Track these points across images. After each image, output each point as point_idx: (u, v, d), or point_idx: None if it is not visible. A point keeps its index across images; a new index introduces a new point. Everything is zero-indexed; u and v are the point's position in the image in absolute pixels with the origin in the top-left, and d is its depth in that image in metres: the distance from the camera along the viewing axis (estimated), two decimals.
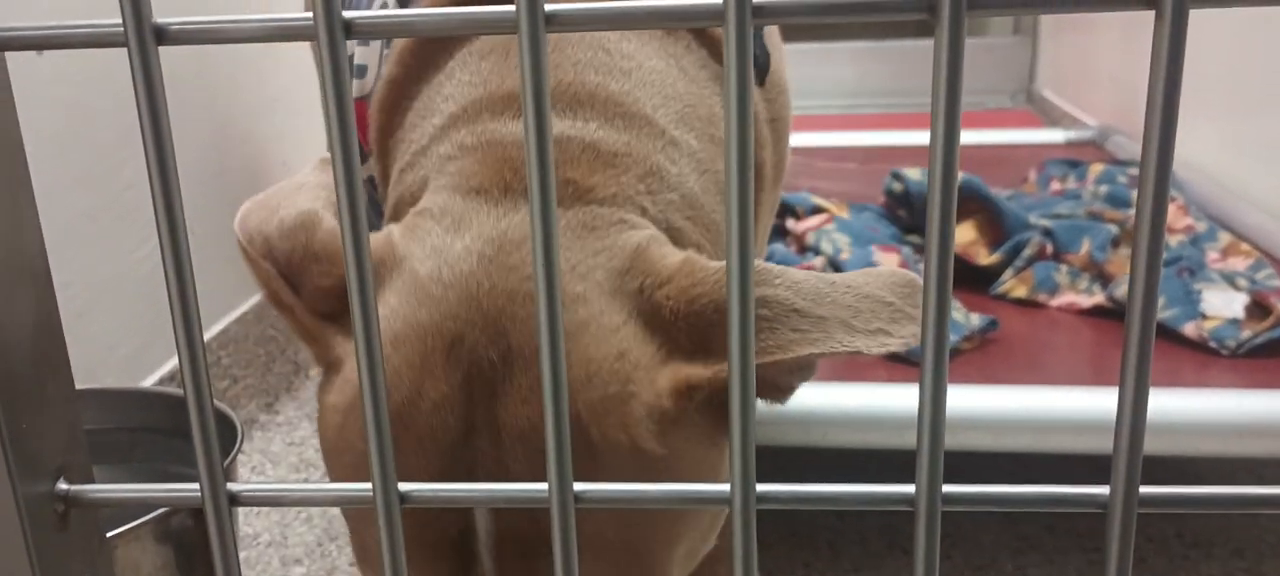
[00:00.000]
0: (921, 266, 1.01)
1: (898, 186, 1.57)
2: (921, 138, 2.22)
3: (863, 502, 0.32)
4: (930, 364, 0.29)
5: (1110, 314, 1.32)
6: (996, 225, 1.47)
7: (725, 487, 0.32)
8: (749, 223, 0.29)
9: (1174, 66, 0.26)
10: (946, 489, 0.31)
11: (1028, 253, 1.40)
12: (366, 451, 0.33)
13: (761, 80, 0.79)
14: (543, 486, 0.33)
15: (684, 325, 0.56)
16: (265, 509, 1.36)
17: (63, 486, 0.37)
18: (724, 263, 0.56)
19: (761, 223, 0.88)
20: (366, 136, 0.79)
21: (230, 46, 1.56)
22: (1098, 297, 1.34)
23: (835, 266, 1.40)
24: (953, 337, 1.22)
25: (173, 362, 1.42)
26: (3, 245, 0.34)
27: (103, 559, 0.40)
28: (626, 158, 0.63)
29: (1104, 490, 0.31)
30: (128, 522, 0.88)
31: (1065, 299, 1.36)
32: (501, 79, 0.66)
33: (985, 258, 1.42)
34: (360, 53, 0.80)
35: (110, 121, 1.29)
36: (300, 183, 0.64)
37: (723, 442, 0.58)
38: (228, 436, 1.01)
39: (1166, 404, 1.02)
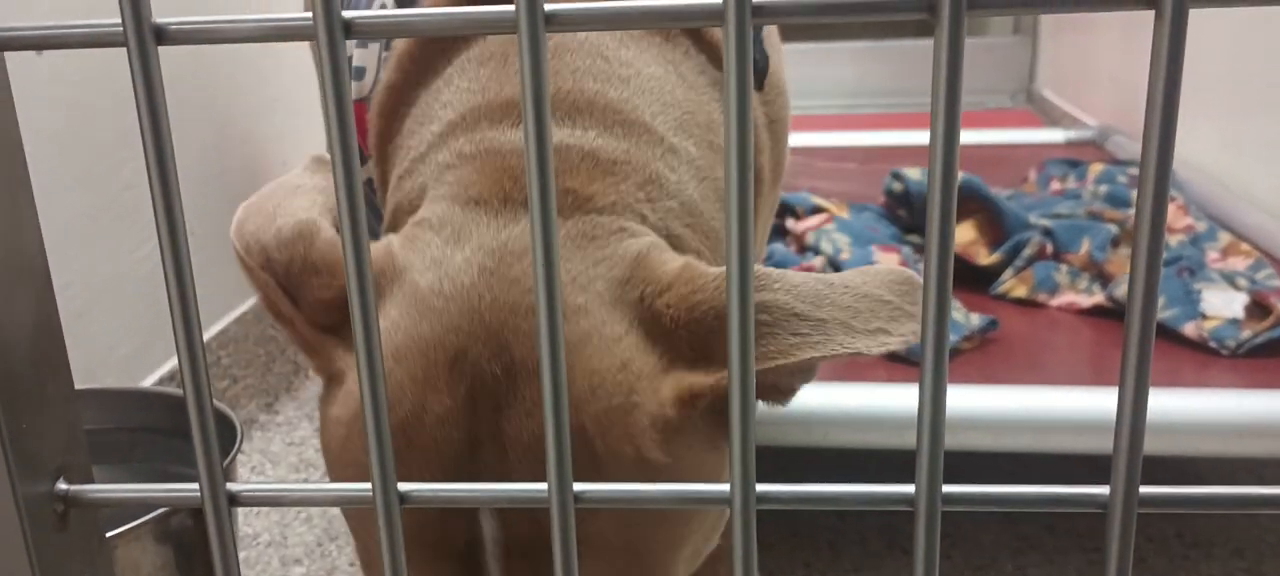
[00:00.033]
0: (921, 265, 1.01)
1: (898, 186, 1.57)
2: (921, 137, 2.22)
3: (863, 502, 0.32)
4: (930, 364, 0.29)
5: (1110, 314, 1.32)
6: (996, 225, 1.47)
7: (725, 488, 0.32)
8: (749, 225, 0.29)
9: (1174, 66, 0.26)
10: (946, 489, 0.31)
11: (1028, 252, 1.40)
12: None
13: (760, 83, 0.79)
14: (543, 486, 0.33)
15: (685, 333, 0.56)
16: (265, 509, 1.36)
17: (62, 486, 0.37)
18: (723, 268, 0.56)
19: (760, 224, 0.88)
20: (365, 139, 0.79)
21: (230, 46, 1.56)
22: (1097, 297, 1.34)
23: (835, 266, 1.40)
24: (952, 337, 1.22)
25: (172, 362, 1.42)
26: (2, 245, 0.34)
27: (102, 559, 0.40)
28: (626, 165, 0.63)
29: (1104, 490, 0.31)
30: (127, 522, 0.88)
31: (1065, 299, 1.36)
32: (500, 86, 0.66)
33: (985, 257, 1.42)
34: (358, 55, 0.80)
35: (110, 121, 1.29)
36: (295, 184, 0.63)
37: (726, 447, 0.58)
38: (227, 436, 1.01)
39: (1166, 404, 1.02)
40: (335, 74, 0.29)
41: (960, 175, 1.45)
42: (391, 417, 0.54)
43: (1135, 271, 0.28)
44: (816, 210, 1.56)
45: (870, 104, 2.94)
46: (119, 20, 0.30)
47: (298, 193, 0.62)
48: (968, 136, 2.25)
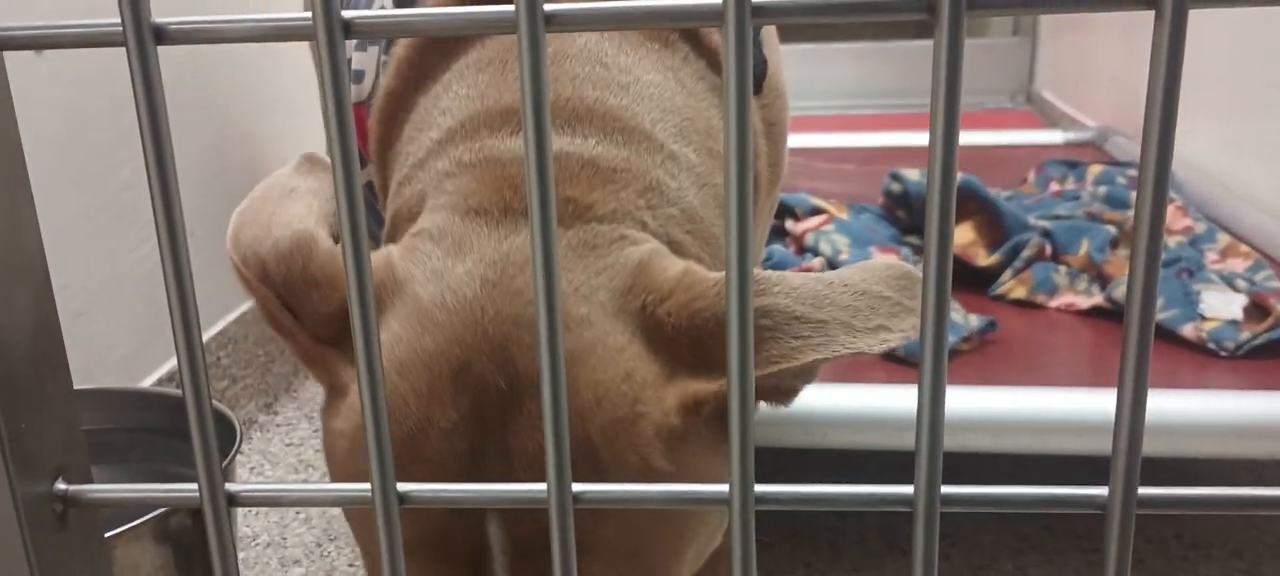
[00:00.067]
0: (919, 266, 1.01)
1: (897, 187, 1.57)
2: (921, 138, 2.22)
3: (862, 503, 0.32)
4: (929, 365, 0.29)
5: (1109, 315, 1.32)
6: (995, 226, 1.47)
7: (724, 488, 0.32)
8: (748, 227, 0.29)
9: (1173, 67, 0.26)
10: (945, 490, 0.31)
11: (1027, 253, 1.40)
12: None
13: (758, 87, 0.79)
14: (542, 487, 0.33)
15: (686, 340, 0.56)
16: (264, 509, 1.36)
17: (61, 486, 0.37)
18: (723, 274, 0.56)
19: (758, 227, 0.88)
20: (365, 143, 0.78)
21: (230, 47, 1.56)
22: (1096, 298, 1.34)
23: (834, 268, 1.40)
24: (951, 338, 1.22)
25: (172, 363, 1.42)
26: (1, 245, 0.34)
27: (101, 559, 0.40)
28: (626, 173, 0.62)
29: (1103, 491, 0.31)
30: (127, 522, 0.88)
31: (1064, 300, 1.36)
32: (500, 93, 0.66)
33: (984, 258, 1.42)
34: (357, 58, 0.80)
35: (109, 122, 1.29)
36: (288, 187, 0.63)
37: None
38: (226, 437, 1.01)
39: (1165, 405, 1.02)
40: (335, 74, 0.29)
41: (959, 176, 1.45)
42: (396, 431, 0.54)
43: (1134, 273, 0.28)
44: (816, 211, 1.56)
45: (869, 105, 2.95)
46: (118, 20, 0.30)
47: (291, 197, 0.62)
48: (967, 137, 2.25)
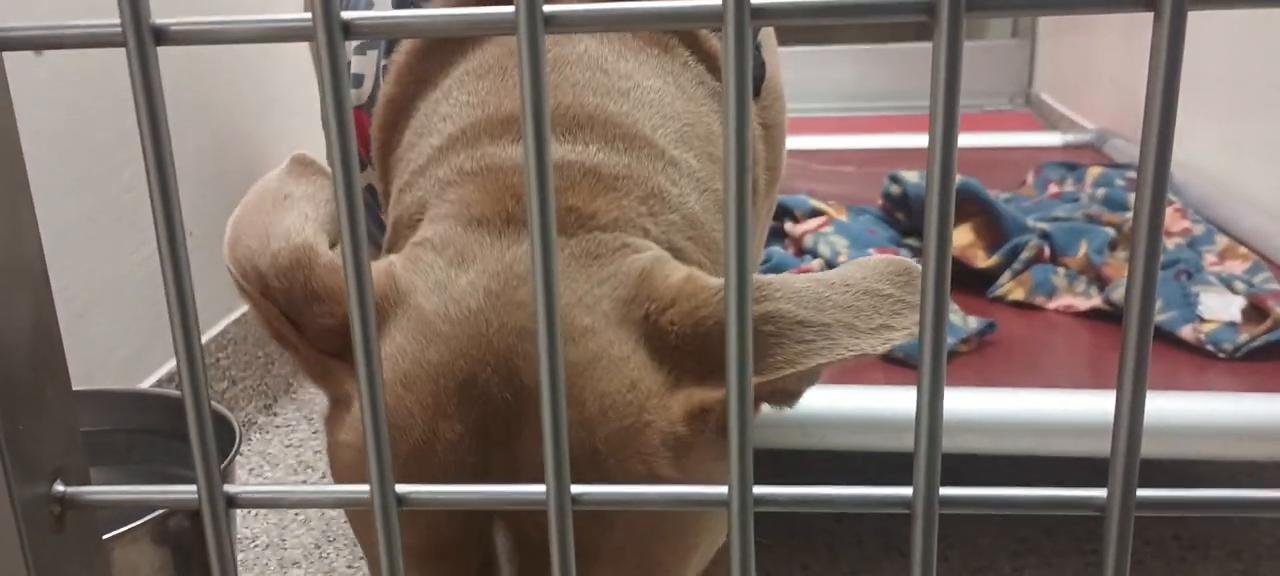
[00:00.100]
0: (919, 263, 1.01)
1: (896, 189, 1.57)
2: (920, 140, 2.23)
3: (860, 505, 0.32)
4: (928, 367, 0.29)
5: (1107, 316, 1.32)
6: (994, 228, 1.47)
7: (723, 489, 0.32)
8: (748, 229, 0.29)
9: (1172, 68, 0.26)
10: (944, 492, 0.31)
11: (1025, 255, 1.40)
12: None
13: (756, 90, 0.79)
14: (541, 488, 0.33)
15: (690, 348, 0.56)
16: (263, 510, 1.36)
17: (59, 488, 0.37)
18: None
19: (757, 229, 0.88)
20: (364, 146, 0.78)
21: (230, 47, 1.57)
22: (1095, 300, 1.34)
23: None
24: (950, 340, 1.22)
25: (171, 364, 1.42)
26: (0, 249, 0.34)
27: (99, 560, 0.40)
28: (627, 180, 0.62)
29: (1101, 493, 0.31)
30: (125, 524, 0.88)
31: (1063, 301, 1.36)
32: (500, 101, 0.66)
33: (983, 260, 1.42)
34: (356, 62, 0.80)
35: (109, 123, 1.29)
36: (283, 193, 0.63)
37: None
38: (226, 438, 1.01)
39: (1164, 407, 1.02)
40: (334, 75, 0.29)
41: (958, 178, 1.45)
42: (401, 444, 0.54)
43: (1133, 275, 0.28)
44: (815, 213, 1.56)
45: (868, 107, 2.95)
46: (118, 21, 0.30)
47: (287, 205, 0.61)
48: (966, 139, 2.25)
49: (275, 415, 1.64)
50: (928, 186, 0.28)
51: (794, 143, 2.23)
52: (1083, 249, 1.42)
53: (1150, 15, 0.26)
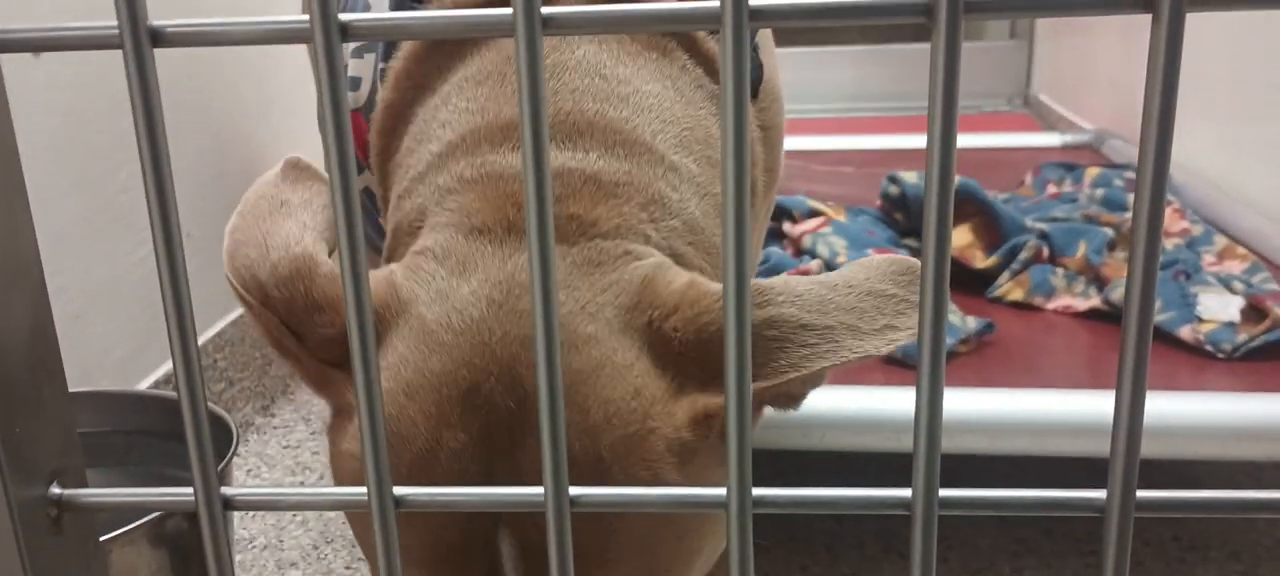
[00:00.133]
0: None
1: (894, 189, 1.57)
2: (918, 141, 2.23)
3: (859, 507, 0.32)
4: (927, 367, 0.29)
5: (1106, 317, 1.32)
6: (993, 228, 1.47)
7: (721, 491, 0.32)
8: (745, 230, 0.29)
9: (1171, 69, 0.26)
10: (943, 493, 0.31)
11: (1024, 256, 1.40)
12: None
13: (754, 92, 0.79)
14: (539, 490, 0.33)
15: (694, 354, 0.56)
16: (261, 512, 1.36)
17: (56, 490, 0.37)
18: None
19: (756, 231, 0.88)
20: (362, 149, 0.78)
21: (227, 49, 1.56)
22: (1094, 301, 1.34)
23: (831, 270, 1.40)
24: (949, 340, 1.22)
25: (169, 365, 1.42)
26: None
27: (97, 562, 0.40)
28: (628, 187, 0.62)
29: (1101, 494, 0.31)
30: (122, 526, 0.88)
31: (1061, 302, 1.36)
32: (499, 107, 0.66)
33: (981, 261, 1.42)
34: (353, 65, 0.80)
35: (106, 124, 1.29)
36: (280, 199, 0.62)
37: None
38: (223, 439, 1.01)
39: (1162, 407, 1.02)
40: (332, 77, 0.29)
41: (957, 178, 1.46)
42: (405, 454, 0.54)
43: (1132, 275, 0.28)
44: (813, 214, 1.56)
45: (867, 108, 2.95)
46: (115, 23, 0.30)
47: (284, 212, 0.61)
48: (964, 140, 2.25)
49: (273, 416, 1.63)
50: (926, 187, 0.28)
51: (792, 143, 2.23)
52: (1081, 249, 1.42)
53: (1149, 16, 0.26)
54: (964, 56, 0.27)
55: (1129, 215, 1.53)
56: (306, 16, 0.29)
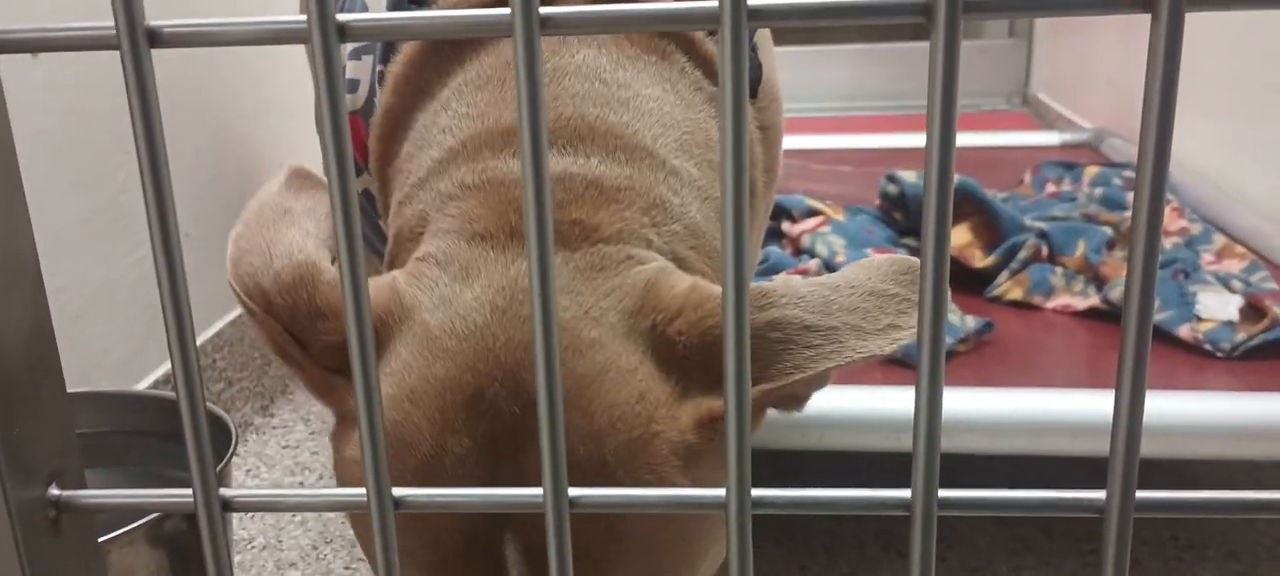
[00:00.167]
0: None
1: (893, 189, 1.57)
2: (917, 140, 2.23)
3: (859, 507, 0.32)
4: (926, 367, 0.29)
5: (1105, 316, 1.32)
6: (992, 227, 1.47)
7: (721, 492, 0.32)
8: (744, 231, 0.29)
9: (1170, 69, 0.26)
10: (943, 494, 0.31)
11: (1023, 255, 1.40)
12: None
13: (753, 92, 0.79)
14: (538, 491, 0.33)
15: (698, 358, 0.56)
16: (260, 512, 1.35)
17: (55, 492, 0.37)
18: None
19: (754, 231, 0.88)
20: (361, 152, 0.78)
21: (225, 50, 1.56)
22: (1093, 300, 1.34)
23: (830, 269, 1.40)
24: (948, 340, 1.22)
25: (168, 365, 1.41)
26: None
27: (96, 564, 0.40)
28: (630, 192, 0.62)
29: (1100, 495, 0.31)
30: (121, 527, 0.88)
31: (1060, 301, 1.36)
32: (500, 113, 0.66)
33: (980, 260, 1.42)
34: (351, 67, 0.80)
35: (105, 125, 1.29)
36: (283, 207, 0.62)
37: None
38: (222, 440, 1.01)
39: (1161, 406, 1.02)
40: (330, 78, 0.29)
41: (955, 177, 1.45)
42: (410, 460, 0.54)
43: (1132, 273, 0.28)
44: (812, 213, 1.56)
45: (866, 107, 2.95)
46: (113, 23, 0.30)
47: (288, 220, 0.61)
48: (963, 139, 2.25)
49: (272, 416, 1.63)
50: (925, 186, 0.28)
51: (791, 142, 2.23)
52: (1080, 248, 1.42)
53: (1147, 16, 0.26)
54: (963, 55, 0.27)
55: (1128, 214, 1.53)
56: (304, 17, 0.29)
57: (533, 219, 0.30)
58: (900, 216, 1.57)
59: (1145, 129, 0.27)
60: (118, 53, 0.29)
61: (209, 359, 1.51)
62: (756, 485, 0.31)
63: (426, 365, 0.55)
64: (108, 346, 1.31)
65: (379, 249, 0.83)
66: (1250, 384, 1.13)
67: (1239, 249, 1.46)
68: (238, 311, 1.59)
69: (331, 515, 1.33)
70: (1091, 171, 1.77)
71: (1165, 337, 1.23)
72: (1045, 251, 1.43)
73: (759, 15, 0.28)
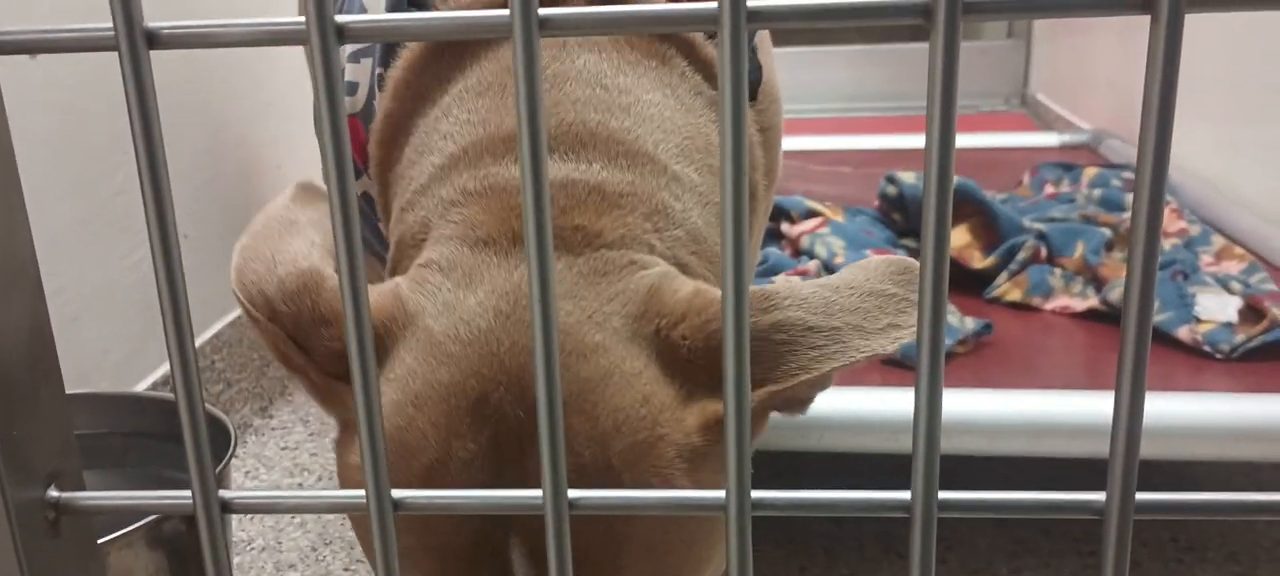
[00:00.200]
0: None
1: (892, 190, 1.57)
2: (916, 141, 2.23)
3: (859, 509, 0.32)
4: (926, 369, 0.29)
5: (1104, 317, 1.32)
6: (991, 228, 1.47)
7: (720, 494, 0.32)
8: (743, 232, 0.29)
9: (1169, 70, 0.26)
10: (942, 495, 0.31)
11: (1022, 256, 1.40)
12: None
13: (753, 94, 0.79)
14: (537, 493, 0.32)
15: (702, 361, 0.56)
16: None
17: (54, 493, 0.37)
18: None
19: (754, 232, 0.88)
20: (360, 155, 0.78)
21: (224, 51, 1.56)
22: (1092, 301, 1.34)
23: (829, 270, 1.40)
24: (947, 341, 1.22)
25: (166, 367, 1.41)
26: None
27: (95, 565, 0.40)
28: (632, 198, 0.62)
29: (1100, 496, 0.31)
30: (120, 528, 0.88)
31: (1059, 302, 1.36)
32: (501, 119, 0.66)
33: (979, 261, 1.42)
34: (350, 70, 0.80)
35: (103, 126, 1.29)
36: (289, 220, 0.62)
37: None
38: (221, 441, 1.01)
39: (1161, 408, 1.02)
40: (329, 79, 0.29)
41: (955, 178, 1.46)
42: (415, 464, 0.54)
43: (1131, 275, 0.28)
44: (811, 214, 1.56)
45: (865, 108, 2.95)
46: (111, 24, 0.29)
47: (293, 230, 0.61)
48: (962, 140, 2.25)
49: (271, 418, 1.63)
50: (925, 187, 0.28)
51: (790, 143, 2.23)
52: (1079, 249, 1.42)
53: (1147, 17, 0.26)
54: (961, 56, 0.27)
55: (1126, 215, 1.53)
56: (303, 18, 0.29)
57: (532, 218, 0.30)
58: (899, 217, 1.57)
59: (1145, 130, 0.27)
60: (116, 54, 0.29)
61: (207, 360, 1.51)
62: (756, 487, 0.31)
63: (431, 370, 0.55)
64: (106, 347, 1.31)
65: (378, 251, 0.83)
66: (1249, 385, 1.13)
67: (1238, 250, 1.46)
68: (236, 313, 1.59)
69: (331, 516, 1.33)
70: (1090, 173, 1.77)
71: (1164, 339, 1.23)
72: (1044, 253, 1.43)
73: (758, 16, 0.28)
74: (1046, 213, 1.59)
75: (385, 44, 0.77)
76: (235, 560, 1.27)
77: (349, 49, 0.79)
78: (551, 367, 0.31)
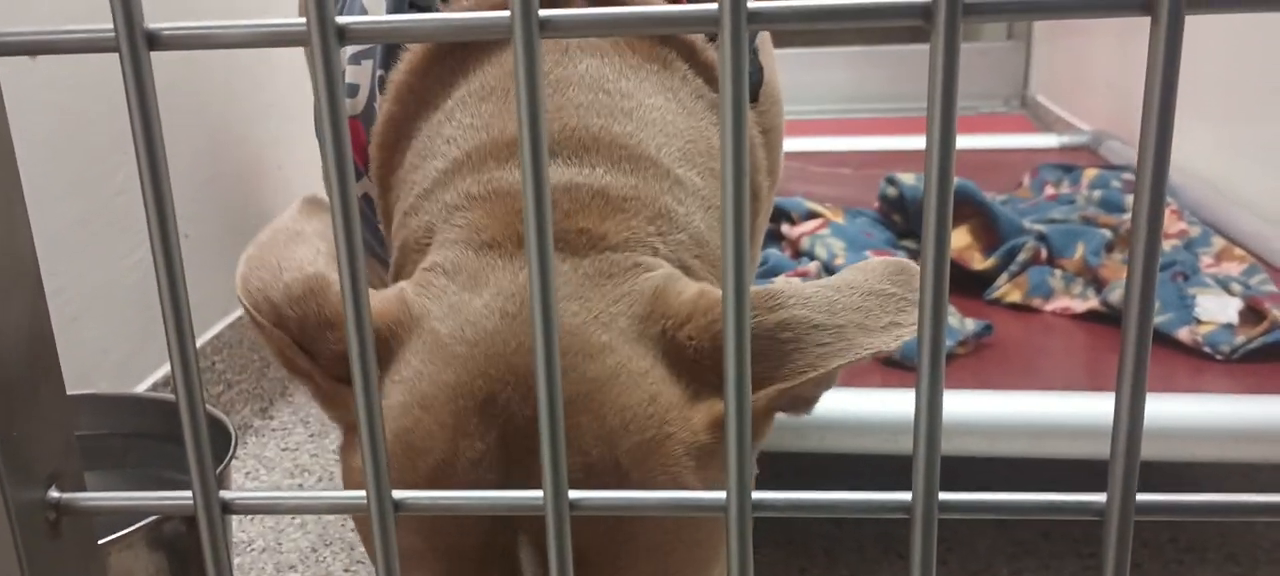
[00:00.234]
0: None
1: (892, 191, 1.57)
2: (916, 143, 2.23)
3: (859, 510, 0.32)
4: (927, 370, 0.29)
5: (1104, 318, 1.32)
6: (991, 230, 1.47)
7: (721, 495, 0.32)
8: (744, 232, 0.29)
9: (1170, 71, 0.26)
10: (943, 497, 0.31)
11: (1022, 257, 1.40)
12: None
13: (754, 95, 0.79)
14: (537, 493, 0.32)
15: (708, 361, 0.56)
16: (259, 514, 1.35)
17: (54, 494, 0.37)
18: None
19: (756, 233, 0.88)
20: (360, 157, 0.78)
21: (225, 52, 1.56)
22: (1092, 302, 1.34)
23: (829, 271, 1.40)
24: (947, 342, 1.22)
25: (167, 367, 1.41)
26: None
27: (96, 566, 0.40)
28: (635, 201, 0.63)
29: (1101, 498, 0.31)
30: (121, 529, 0.88)
31: (1060, 303, 1.36)
32: (504, 123, 0.66)
33: (980, 262, 1.42)
34: (351, 72, 0.80)
35: (103, 127, 1.29)
36: (294, 230, 0.63)
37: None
38: (221, 442, 1.01)
39: (1161, 409, 1.02)
40: (329, 80, 0.29)
41: (955, 180, 1.45)
42: (422, 465, 0.54)
43: (1132, 276, 0.28)
44: (811, 215, 1.56)
45: (865, 109, 2.95)
46: (112, 26, 0.29)
47: (298, 240, 0.62)
48: (962, 141, 2.25)
49: (271, 418, 1.63)
50: (925, 188, 0.28)
51: (790, 145, 2.23)
52: (1079, 251, 1.42)
53: (1146, 18, 0.26)
54: (961, 57, 0.27)
55: (1127, 216, 1.53)
56: (303, 19, 0.29)
57: (532, 218, 0.30)
58: (899, 219, 1.57)
59: (1145, 131, 0.27)
60: (117, 55, 0.29)
61: (208, 360, 1.51)
62: (756, 487, 0.31)
63: (438, 371, 0.55)
64: (106, 348, 1.31)
65: (378, 253, 0.83)
66: (1249, 386, 1.13)
67: (1238, 251, 1.46)
68: (237, 314, 1.59)
69: (331, 517, 1.33)
70: (1090, 174, 1.77)
71: (1165, 340, 1.23)
72: (1044, 254, 1.43)
73: (759, 18, 0.28)
74: (1047, 214, 1.59)
75: (386, 46, 0.77)
76: (236, 561, 1.27)
77: (350, 50, 0.79)
78: (552, 369, 0.31)
